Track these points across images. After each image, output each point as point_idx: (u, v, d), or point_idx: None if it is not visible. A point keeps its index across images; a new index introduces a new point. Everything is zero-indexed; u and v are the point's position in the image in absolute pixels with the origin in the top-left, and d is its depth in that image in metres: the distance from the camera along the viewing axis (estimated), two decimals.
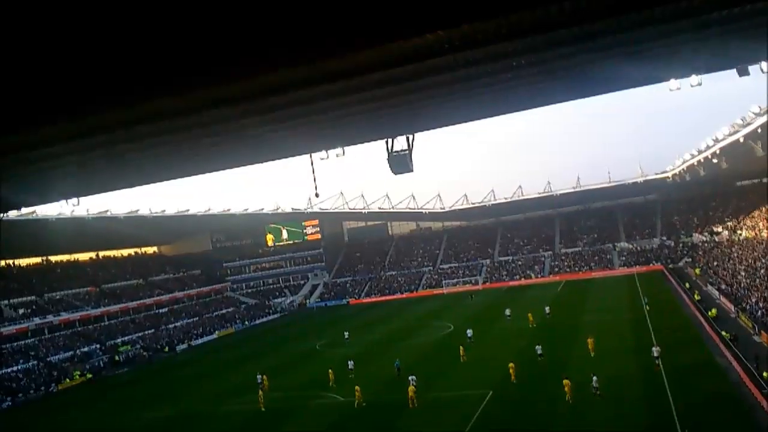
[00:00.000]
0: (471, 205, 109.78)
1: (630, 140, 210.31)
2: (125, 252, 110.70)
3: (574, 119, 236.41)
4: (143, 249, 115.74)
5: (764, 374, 31.65)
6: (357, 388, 38.23)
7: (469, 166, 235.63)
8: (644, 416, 29.52)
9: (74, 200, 29.50)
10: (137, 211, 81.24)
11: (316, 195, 38.86)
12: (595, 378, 33.15)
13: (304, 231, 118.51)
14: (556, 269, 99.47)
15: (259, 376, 45.40)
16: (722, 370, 35.12)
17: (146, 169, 25.29)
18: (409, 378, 37.68)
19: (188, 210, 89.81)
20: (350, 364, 45.78)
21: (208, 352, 73.24)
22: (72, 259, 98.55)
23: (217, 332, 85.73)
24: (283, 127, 20.71)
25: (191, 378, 56.78)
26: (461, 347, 46.90)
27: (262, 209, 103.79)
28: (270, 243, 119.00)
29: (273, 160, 29.77)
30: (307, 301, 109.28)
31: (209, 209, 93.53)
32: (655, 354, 36.36)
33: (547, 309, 61.47)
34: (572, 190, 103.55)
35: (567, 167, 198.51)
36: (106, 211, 76.28)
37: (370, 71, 15.44)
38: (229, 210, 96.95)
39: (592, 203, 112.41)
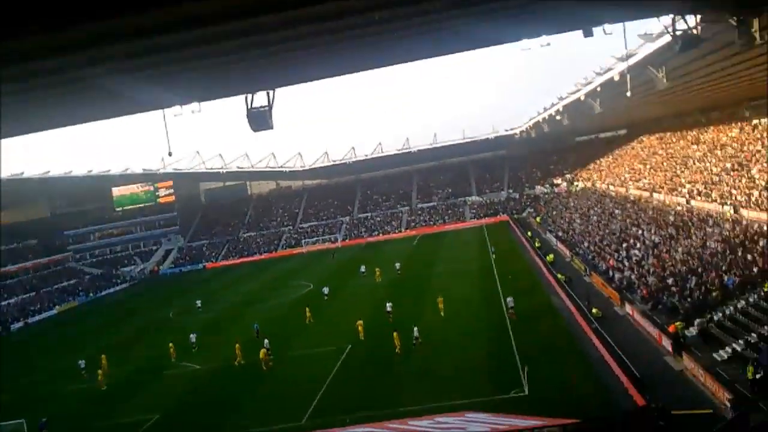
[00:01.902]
0: (331, 163, 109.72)
1: (489, 99, 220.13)
2: None
3: (434, 78, 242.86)
4: None
5: (593, 311, 34.94)
6: (237, 345, 37.91)
7: (330, 123, 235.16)
8: (487, 357, 31.46)
9: None
10: None
11: (169, 154, 36.11)
12: (416, 329, 35.30)
13: (157, 193, 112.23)
14: (413, 224, 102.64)
15: (81, 362, 41.80)
16: (557, 310, 38.26)
17: None
18: (264, 342, 37.44)
19: (22, 173, 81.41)
20: (192, 337, 43.52)
21: (46, 330, 67.61)
22: None
23: (57, 307, 79.05)
24: (134, 78, 18.89)
25: (27, 358, 52.36)
26: (307, 308, 46.76)
27: (109, 171, 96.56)
28: (118, 207, 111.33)
29: (123, 115, 27.35)
30: (160, 267, 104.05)
31: (47, 172, 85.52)
32: (510, 304, 38.20)
33: (397, 265, 62.59)
34: (429, 147, 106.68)
35: (426, 126, 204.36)
36: None
37: (227, 19, 14.39)
38: (70, 172, 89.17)
39: (447, 159, 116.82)
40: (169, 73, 19.49)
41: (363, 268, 63.75)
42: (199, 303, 59.73)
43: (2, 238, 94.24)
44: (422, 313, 42.04)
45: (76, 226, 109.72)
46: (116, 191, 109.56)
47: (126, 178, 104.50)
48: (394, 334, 34.59)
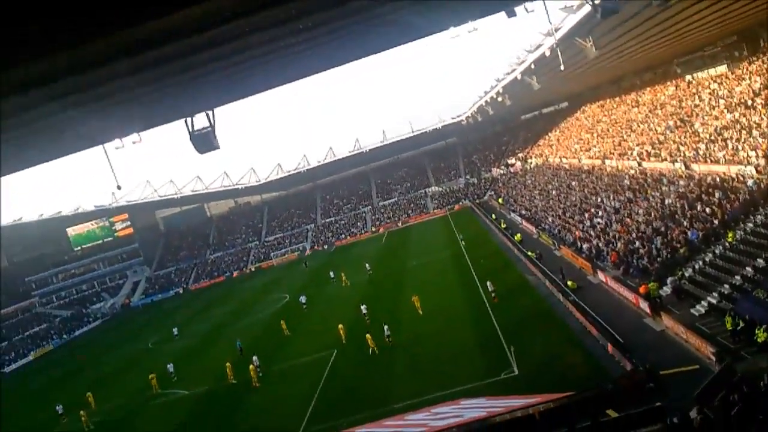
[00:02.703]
0: (286, 173, 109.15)
1: (428, 91, 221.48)
2: None
3: (374, 76, 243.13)
4: None
5: (569, 283, 35.80)
6: (228, 364, 37.87)
7: (278, 134, 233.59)
8: (474, 343, 31.99)
9: None
10: None
11: (118, 187, 35.67)
12: (386, 327, 35.88)
13: (114, 228, 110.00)
14: (378, 222, 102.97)
15: (59, 407, 41.00)
16: (534, 287, 39.12)
17: None
18: (252, 358, 37.33)
19: None
20: (170, 367, 43.08)
21: (24, 377, 66.05)
22: None
23: (32, 353, 77.21)
24: (70, 116, 18.66)
25: (10, 406, 50.99)
26: (282, 322, 46.83)
27: (60, 212, 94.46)
28: (76, 247, 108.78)
29: (64, 155, 26.89)
30: (131, 300, 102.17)
31: None
32: (491, 288, 38.77)
33: (367, 266, 62.69)
34: (380, 144, 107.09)
35: (373, 123, 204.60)
36: None
37: (155, 45, 14.41)
38: (20, 219, 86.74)
39: (400, 154, 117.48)
40: (105, 106, 19.31)
41: (332, 274, 63.74)
42: (175, 330, 58.99)
43: None
44: (400, 311, 42.32)
45: (37, 270, 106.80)
46: (71, 231, 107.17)
47: (79, 217, 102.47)
48: (367, 335, 35.16)
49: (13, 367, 73.07)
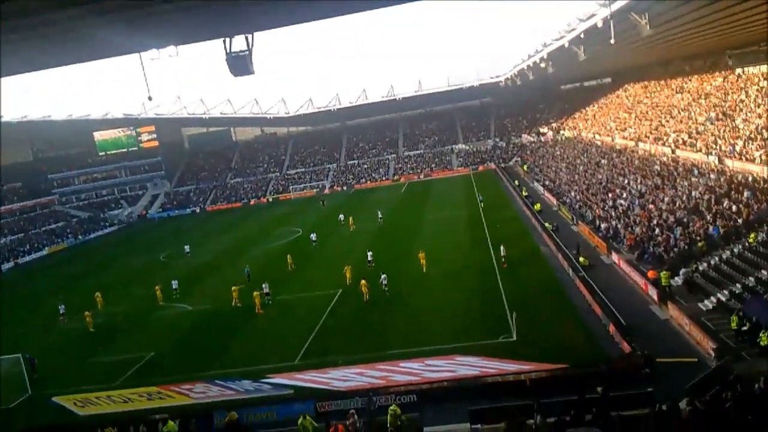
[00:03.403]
0: (316, 110, 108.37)
1: (471, 47, 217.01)
2: None
3: (419, 24, 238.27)
4: None
5: (581, 260, 35.70)
6: (234, 288, 38.37)
7: (314, 69, 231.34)
8: (478, 303, 32.19)
9: None
10: None
11: (149, 98, 35.64)
12: (384, 276, 36.17)
13: (140, 138, 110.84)
14: (400, 171, 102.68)
15: (61, 307, 41.90)
16: (545, 258, 39.05)
17: None
18: (263, 285, 37.77)
19: (1, 116, 79.98)
20: (174, 283, 43.72)
21: (38, 270, 68.10)
22: None
23: (47, 248, 79.50)
24: (108, 20, 18.54)
25: (20, 298, 52.76)
26: (288, 256, 47.36)
27: (89, 115, 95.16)
28: (101, 151, 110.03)
29: (99, 58, 26.85)
30: (148, 211, 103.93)
31: (26, 116, 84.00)
32: (503, 252, 38.62)
33: (379, 213, 62.93)
34: (414, 94, 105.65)
35: (410, 73, 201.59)
36: None
37: None
38: (50, 116, 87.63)
39: (432, 107, 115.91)
40: (144, 15, 19.10)
41: (341, 216, 63.83)
42: (187, 248, 60.03)
43: None
44: (408, 262, 42.23)
45: (60, 169, 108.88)
46: (98, 135, 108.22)
47: (107, 123, 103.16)
48: (362, 281, 35.64)
49: (27, 259, 75.29)
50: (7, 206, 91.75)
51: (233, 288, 38.58)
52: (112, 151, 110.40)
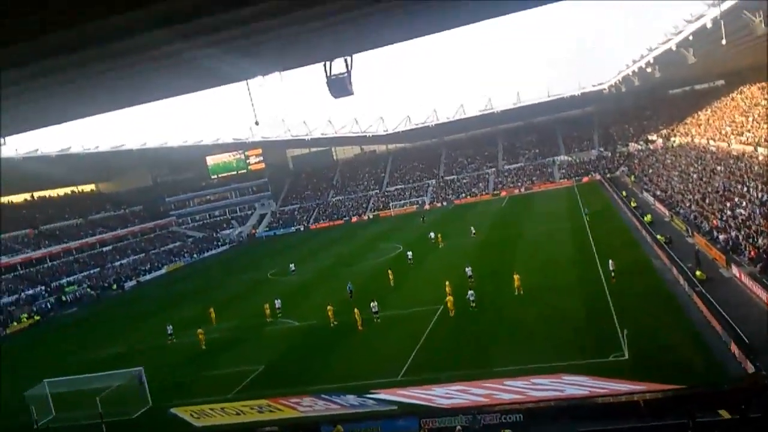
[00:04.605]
0: (414, 126, 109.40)
1: (571, 55, 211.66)
2: (61, 191, 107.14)
3: (515, 35, 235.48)
4: (80, 187, 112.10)
5: (697, 273, 33.64)
6: (329, 307, 39.06)
7: (411, 86, 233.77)
8: (586, 319, 31.04)
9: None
10: (69, 148, 77.78)
11: (256, 123, 37.45)
12: (471, 293, 36.11)
13: (248, 161, 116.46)
14: (500, 185, 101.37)
15: (168, 327, 43.22)
16: (658, 272, 37.12)
17: (78, 100, 23.83)
18: (371, 304, 37.71)
19: (123, 145, 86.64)
20: (277, 302, 44.37)
21: (157, 288, 72.80)
22: (6, 202, 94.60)
23: (165, 267, 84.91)
24: (219, 51, 19.73)
25: (141, 314, 56.53)
26: (389, 271, 47.69)
27: (201, 141, 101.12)
28: (213, 175, 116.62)
29: (208, 87, 28.56)
30: (257, 231, 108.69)
31: (145, 143, 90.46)
32: (611, 267, 37.06)
33: (472, 229, 62.49)
34: (513, 107, 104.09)
35: (507, 84, 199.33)
36: (36, 150, 72.77)
37: None
38: (166, 143, 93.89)
39: (532, 119, 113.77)
40: (249, 45, 20.06)
41: (432, 234, 63.57)
42: (293, 266, 61.98)
43: (111, 205, 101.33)
44: (509, 276, 41.06)
45: (176, 192, 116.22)
46: (210, 160, 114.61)
47: (218, 147, 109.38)
48: (448, 298, 35.71)
49: (147, 277, 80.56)
50: (129, 228, 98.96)
51: (329, 308, 39.13)
52: (223, 174, 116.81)
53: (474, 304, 35.71)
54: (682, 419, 16.59)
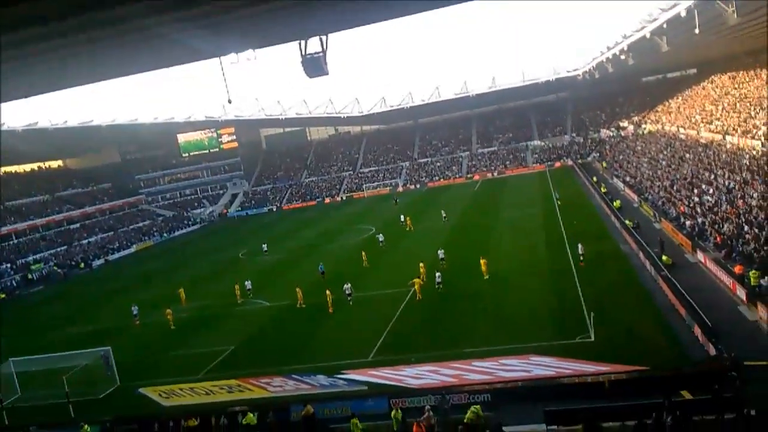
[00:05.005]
0: (389, 108, 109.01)
1: (546, 40, 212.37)
2: (28, 167, 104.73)
3: (491, 19, 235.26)
4: (47, 163, 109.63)
5: (663, 258, 34.31)
6: (298, 289, 38.87)
7: (387, 68, 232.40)
8: (554, 302, 31.52)
9: None
10: (36, 123, 75.88)
11: (229, 101, 37.07)
12: (438, 274, 36.86)
13: (220, 139, 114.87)
14: (474, 169, 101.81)
15: (134, 308, 42.25)
16: (626, 256, 37.79)
17: (48, 73, 23.21)
18: (345, 286, 37.59)
19: (92, 121, 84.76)
20: (248, 284, 43.71)
21: (125, 267, 71.70)
22: None
23: (135, 246, 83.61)
24: (193, 26, 19.34)
25: (109, 293, 55.74)
26: (363, 253, 47.91)
27: (173, 118, 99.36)
28: (184, 153, 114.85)
29: (181, 63, 28.04)
30: (228, 210, 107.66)
31: (114, 120, 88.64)
32: (580, 251, 37.53)
33: (443, 213, 62.90)
34: (488, 90, 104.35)
35: (483, 68, 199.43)
36: (2, 124, 70.75)
37: None
38: (136, 120, 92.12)
39: (506, 103, 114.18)
40: (223, 21, 19.73)
41: (402, 217, 63.33)
42: (265, 246, 61.48)
43: (78, 182, 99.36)
44: (478, 260, 41.65)
45: (146, 170, 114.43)
46: (181, 137, 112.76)
47: (190, 125, 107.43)
48: (416, 280, 36.16)
49: (116, 255, 79.34)
50: (97, 206, 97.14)
51: (297, 289, 39.02)
52: (195, 152, 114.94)
53: (440, 286, 36.11)
54: (649, 399, 16.96)
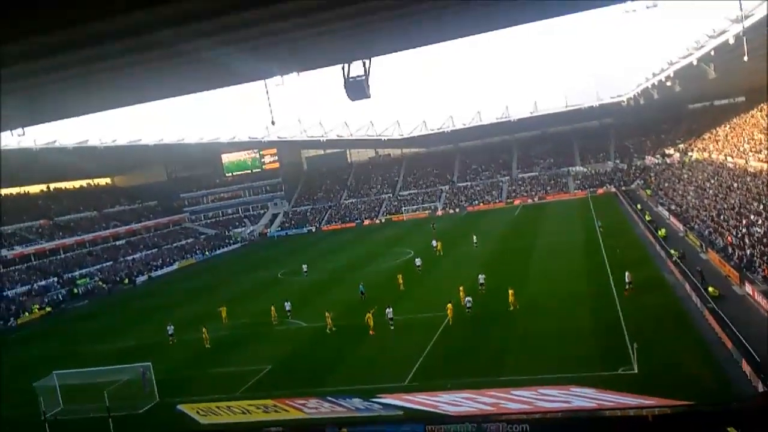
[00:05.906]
0: (429, 132, 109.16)
1: (588, 67, 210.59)
2: (77, 183, 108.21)
3: (533, 45, 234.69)
4: (95, 180, 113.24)
5: (709, 289, 33.32)
6: (327, 314, 38.87)
7: (428, 92, 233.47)
8: (594, 332, 30.84)
9: (19, 130, 27.99)
10: (86, 141, 78.55)
11: (272, 123, 37.74)
12: (469, 299, 36.64)
13: (262, 160, 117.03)
14: (514, 193, 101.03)
15: (169, 327, 42.43)
16: (670, 287, 36.81)
17: (98, 94, 24.08)
18: (386, 310, 37.21)
19: (140, 140, 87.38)
20: (287, 305, 43.68)
21: (168, 283, 73.09)
22: (22, 192, 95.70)
23: (177, 263, 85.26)
24: (238, 49, 19.85)
25: (151, 309, 56.77)
26: (399, 276, 47.80)
27: (218, 138, 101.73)
28: (227, 173, 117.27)
29: (227, 85, 28.76)
30: (269, 230, 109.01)
31: (162, 139, 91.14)
32: (627, 279, 36.67)
33: (474, 238, 62.54)
34: (529, 116, 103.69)
35: (525, 93, 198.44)
36: (54, 141, 73.49)
37: None
38: (183, 140, 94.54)
39: (548, 128, 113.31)
40: (267, 45, 20.13)
41: (434, 242, 63.13)
42: (305, 267, 61.83)
43: (125, 199, 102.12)
44: (522, 282, 41.25)
45: (191, 189, 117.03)
46: (225, 158, 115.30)
47: (234, 146, 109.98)
48: (448, 305, 35.88)
49: (159, 272, 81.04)
50: (143, 223, 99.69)
51: (327, 314, 38.91)
52: (237, 172, 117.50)
53: (470, 310, 35.91)
54: None
